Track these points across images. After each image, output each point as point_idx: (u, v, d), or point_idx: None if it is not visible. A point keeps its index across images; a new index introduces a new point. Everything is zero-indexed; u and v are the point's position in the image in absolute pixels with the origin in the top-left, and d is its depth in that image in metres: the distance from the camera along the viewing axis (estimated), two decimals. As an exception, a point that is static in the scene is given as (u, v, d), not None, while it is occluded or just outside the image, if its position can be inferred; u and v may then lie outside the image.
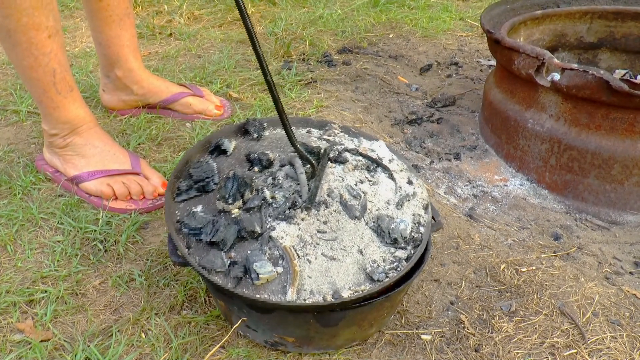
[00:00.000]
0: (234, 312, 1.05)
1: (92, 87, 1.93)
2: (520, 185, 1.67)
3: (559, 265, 1.32)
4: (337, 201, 1.05)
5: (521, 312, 1.19)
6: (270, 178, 1.10)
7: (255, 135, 1.22)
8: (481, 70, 2.27)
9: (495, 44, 1.69)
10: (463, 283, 1.26)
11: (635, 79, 1.96)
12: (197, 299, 1.19)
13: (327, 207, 1.04)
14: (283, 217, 1.02)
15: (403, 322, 1.16)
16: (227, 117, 1.81)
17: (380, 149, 1.21)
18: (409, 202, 1.11)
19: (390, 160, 1.19)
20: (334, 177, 1.09)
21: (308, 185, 1.05)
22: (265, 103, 1.88)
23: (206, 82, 2.03)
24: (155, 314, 1.15)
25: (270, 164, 1.13)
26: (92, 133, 1.47)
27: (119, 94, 1.77)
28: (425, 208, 1.13)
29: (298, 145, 1.05)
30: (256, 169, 1.13)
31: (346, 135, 1.25)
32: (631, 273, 1.34)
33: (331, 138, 1.22)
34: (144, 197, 1.44)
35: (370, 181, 1.12)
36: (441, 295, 1.23)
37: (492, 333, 1.14)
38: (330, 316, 0.98)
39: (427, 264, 1.30)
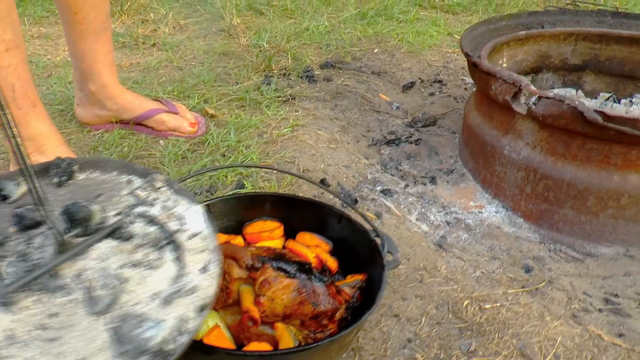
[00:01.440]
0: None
1: (69, 100, 1.91)
2: (496, 212, 1.64)
3: (525, 302, 1.28)
4: (82, 288, 0.83)
5: (480, 352, 1.15)
6: (24, 244, 0.87)
7: (56, 179, 1.02)
8: (465, 88, 2.23)
9: (473, 67, 1.66)
10: (423, 319, 1.23)
11: (619, 103, 1.93)
12: (148, 331, 1.16)
13: (68, 294, 0.81)
14: (3, 300, 0.79)
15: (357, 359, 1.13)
16: (201, 135, 1.79)
17: (192, 218, 0.98)
18: (182, 298, 0.84)
19: (194, 235, 0.95)
20: (93, 258, 0.88)
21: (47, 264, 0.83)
22: (241, 120, 1.85)
23: (184, 96, 2.00)
24: (104, 347, 1.13)
25: (36, 224, 0.90)
26: (57, 152, 1.44)
27: (93, 108, 1.75)
28: (202, 309, 0.83)
29: (46, 210, 0.83)
30: (12, 229, 0.90)
31: (166, 193, 1.03)
32: (600, 310, 1.30)
33: (144, 194, 1.02)
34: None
35: (146, 264, 0.89)
36: (399, 332, 1.19)
37: (447, 376, 1.11)
38: (273, 359, 0.95)
39: (388, 299, 1.27)
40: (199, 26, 2.60)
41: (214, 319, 1.08)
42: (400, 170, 1.77)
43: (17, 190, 1.01)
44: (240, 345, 1.07)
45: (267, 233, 1.23)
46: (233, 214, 1.27)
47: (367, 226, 1.21)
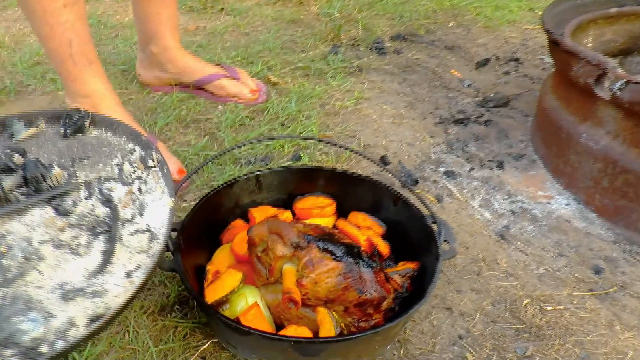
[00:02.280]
0: (214, 325, 0.97)
1: (132, 60, 1.87)
2: (566, 205, 1.50)
3: (592, 307, 1.16)
4: None
5: (537, 358, 1.05)
6: None
7: (63, 130, 0.96)
8: (543, 69, 2.06)
9: (554, 46, 1.51)
10: (477, 315, 1.13)
11: None
12: (189, 302, 1.12)
13: None
14: None
15: (402, 353, 1.04)
16: (261, 102, 1.72)
17: (154, 211, 0.85)
18: (83, 299, 0.72)
19: (140, 232, 0.82)
20: (26, 222, 0.81)
21: None
22: (304, 90, 1.77)
23: (247, 62, 1.93)
24: (144, 314, 1.09)
25: (10, 170, 0.84)
26: (112, 112, 1.40)
27: (154, 70, 1.71)
28: (93, 320, 0.70)
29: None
30: None
31: (152, 175, 0.91)
32: (678, 323, 1.16)
33: (130, 169, 0.92)
34: (158, 183, 1.37)
35: (71, 247, 0.79)
36: (450, 327, 1.10)
37: (499, 380, 1.01)
38: (309, 347, 0.88)
39: (442, 290, 1.18)
40: (270, -9, 2.52)
41: (254, 296, 1.02)
42: (467, 152, 1.65)
43: (25, 131, 0.97)
44: (279, 326, 1.01)
45: (318, 210, 1.16)
46: (284, 186, 1.20)
47: (424, 211, 1.11)
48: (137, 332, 1.05)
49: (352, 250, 0.97)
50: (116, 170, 0.91)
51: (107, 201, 0.86)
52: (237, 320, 0.93)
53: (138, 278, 0.75)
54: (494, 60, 2.09)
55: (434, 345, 1.06)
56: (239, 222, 1.16)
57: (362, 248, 1.00)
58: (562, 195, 1.53)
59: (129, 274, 0.76)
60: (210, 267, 1.07)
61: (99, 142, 0.98)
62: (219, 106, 1.70)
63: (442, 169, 1.55)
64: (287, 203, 1.21)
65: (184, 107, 1.67)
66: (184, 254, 1.00)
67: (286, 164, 1.45)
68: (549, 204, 1.50)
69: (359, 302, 0.95)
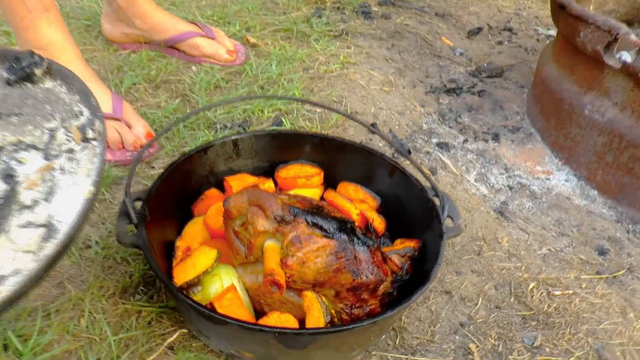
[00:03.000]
0: (183, 311, 0.82)
1: (98, 16, 1.68)
2: (566, 181, 1.37)
3: (602, 292, 1.04)
4: None
5: (547, 349, 0.92)
6: None
7: (6, 75, 0.78)
8: (538, 40, 1.93)
9: (559, 10, 1.36)
10: (480, 300, 0.99)
11: None
12: (155, 283, 0.96)
13: None
14: None
15: (397, 342, 0.91)
16: (239, 64, 1.55)
17: (63, 201, 0.65)
18: None
19: (33, 226, 0.63)
20: None
21: None
22: (285, 53, 1.60)
23: (224, 22, 1.75)
24: (103, 296, 0.93)
25: None
26: (72, 66, 1.22)
27: (121, 25, 1.52)
28: None
29: None
30: None
31: (87, 151, 0.69)
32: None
33: (63, 138, 0.73)
34: (123, 148, 1.20)
35: None
36: (450, 313, 0.97)
37: (506, 374, 0.88)
38: (296, 339, 0.74)
39: (439, 271, 1.04)
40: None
41: (230, 277, 0.86)
42: (460, 123, 1.51)
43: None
44: (258, 312, 0.86)
45: (304, 180, 1.00)
46: (265, 153, 1.04)
47: (424, 183, 0.97)
48: (94, 318, 0.89)
49: (345, 226, 0.82)
50: (46, 137, 0.70)
51: (8, 176, 0.65)
52: (210, 307, 0.78)
53: (8, 288, 0.54)
54: (486, 29, 1.94)
55: (433, 334, 0.93)
56: (213, 192, 1.00)
57: (356, 223, 0.85)
58: (562, 170, 1.40)
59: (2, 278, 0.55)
60: (180, 243, 0.92)
61: (45, 97, 0.79)
62: (193, 67, 1.52)
63: (434, 140, 1.41)
64: (268, 172, 1.05)
65: (153, 66, 1.49)
66: (150, 228, 0.84)
67: (267, 129, 1.29)
68: (548, 179, 1.38)
69: (352, 286, 0.81)
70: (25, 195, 0.63)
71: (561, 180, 1.38)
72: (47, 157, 0.68)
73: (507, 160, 1.42)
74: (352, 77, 1.52)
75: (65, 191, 0.64)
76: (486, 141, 1.47)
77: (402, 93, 1.54)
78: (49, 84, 0.81)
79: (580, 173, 1.37)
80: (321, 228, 0.80)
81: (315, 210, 0.83)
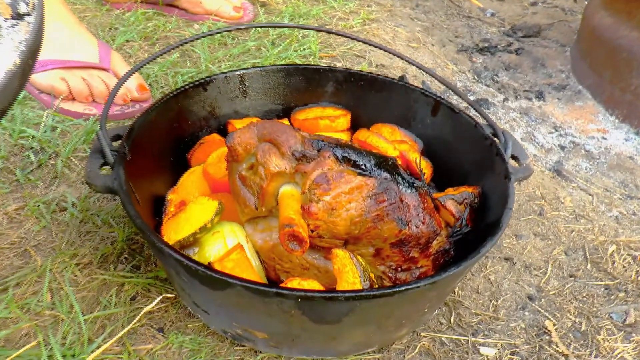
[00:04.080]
0: (172, 276, 0.60)
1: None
2: (626, 139, 1.15)
3: (699, 257, 0.81)
4: None
5: (644, 326, 0.70)
6: None
7: None
8: (575, 1, 1.70)
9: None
10: (549, 268, 0.77)
11: None
12: (143, 249, 0.75)
13: None
14: None
15: (452, 321, 0.68)
16: (247, 22, 1.34)
17: None
18: None
19: None
20: None
21: None
22: (299, 10, 1.39)
23: (230, -19, 1.54)
24: (77, 266, 0.72)
25: None
26: (54, 11, 1.02)
27: (114, -20, 1.32)
28: None
29: None
30: None
31: (12, 30, 0.48)
32: None
33: None
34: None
35: None
36: (514, 284, 0.74)
37: (598, 358, 0.65)
38: (326, 307, 0.52)
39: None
40: None
41: (235, 235, 0.65)
42: (497, 82, 1.29)
43: None
44: (273, 282, 0.64)
45: (327, 121, 0.79)
46: (279, 93, 0.83)
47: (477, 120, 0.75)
48: (63, 292, 0.68)
49: (386, 162, 0.60)
50: None
51: None
52: (208, 266, 0.56)
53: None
54: (517, -11, 1.72)
55: (496, 309, 0.70)
56: (214, 137, 0.78)
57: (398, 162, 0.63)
58: (619, 128, 1.18)
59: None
60: (173, 197, 0.70)
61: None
62: (195, 25, 1.31)
63: (471, 98, 1.19)
64: (281, 117, 0.84)
65: (150, 24, 1.28)
66: (132, 171, 0.62)
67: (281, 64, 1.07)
68: (604, 138, 1.15)
69: (398, 240, 0.59)
70: None
71: (620, 139, 1.15)
72: None
73: (556, 119, 1.19)
74: (375, 33, 1.31)
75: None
76: (529, 99, 1.24)
77: (431, 51, 1.33)
78: None
79: (643, 130, 1.15)
80: (355, 164, 0.59)
81: (346, 145, 0.61)
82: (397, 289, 0.49)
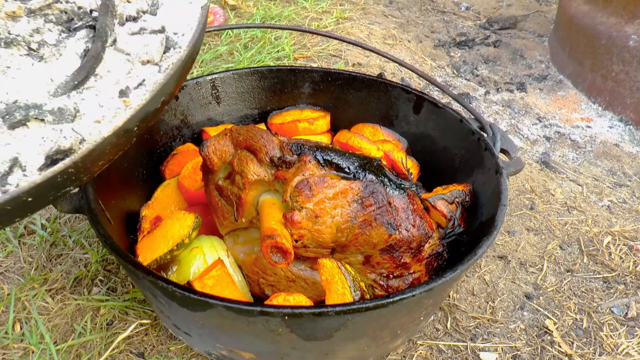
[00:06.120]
0: (149, 298, 0.56)
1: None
2: (610, 127, 1.13)
3: (696, 243, 0.79)
4: None
5: (647, 319, 0.67)
6: None
7: None
8: (549, -10, 1.69)
9: None
10: (545, 264, 0.74)
11: None
12: (120, 271, 0.70)
13: None
14: None
15: (449, 326, 0.65)
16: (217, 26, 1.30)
17: (177, 11, 0.54)
18: (43, 124, 0.42)
19: (148, 32, 0.49)
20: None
21: None
22: (270, 12, 1.36)
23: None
24: (48, 291, 0.67)
25: None
26: None
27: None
28: (54, 159, 0.42)
29: None
30: None
31: None
32: None
33: None
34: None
35: (30, 46, 0.46)
36: (510, 283, 0.71)
37: (602, 356, 0.62)
38: (315, 322, 0.48)
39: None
40: None
41: (215, 250, 0.61)
42: (477, 76, 1.27)
43: None
44: (258, 298, 0.60)
45: (305, 124, 0.75)
46: (253, 97, 0.79)
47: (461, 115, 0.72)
48: (33, 321, 0.63)
49: (370, 164, 0.56)
50: None
51: None
52: (187, 286, 0.52)
53: (138, 99, 0.44)
54: (490, -18, 1.71)
55: (493, 311, 0.67)
56: (188, 147, 0.74)
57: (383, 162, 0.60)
58: (603, 116, 1.16)
59: (123, 92, 0.45)
60: (148, 212, 0.66)
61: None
62: (165, 32, 1.27)
63: (453, 92, 1.16)
64: (258, 122, 0.80)
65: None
66: (101, 190, 0.58)
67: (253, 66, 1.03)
68: (589, 127, 1.13)
69: (388, 245, 0.55)
70: (124, 7, 0.50)
71: (604, 127, 1.13)
72: None
73: (539, 109, 1.17)
74: (349, 32, 1.27)
75: (172, 2, 0.52)
76: (511, 91, 1.22)
77: (408, 47, 1.30)
78: None
79: (628, 116, 1.13)
80: (338, 167, 0.55)
81: (327, 147, 0.58)
82: (391, 299, 0.46)
